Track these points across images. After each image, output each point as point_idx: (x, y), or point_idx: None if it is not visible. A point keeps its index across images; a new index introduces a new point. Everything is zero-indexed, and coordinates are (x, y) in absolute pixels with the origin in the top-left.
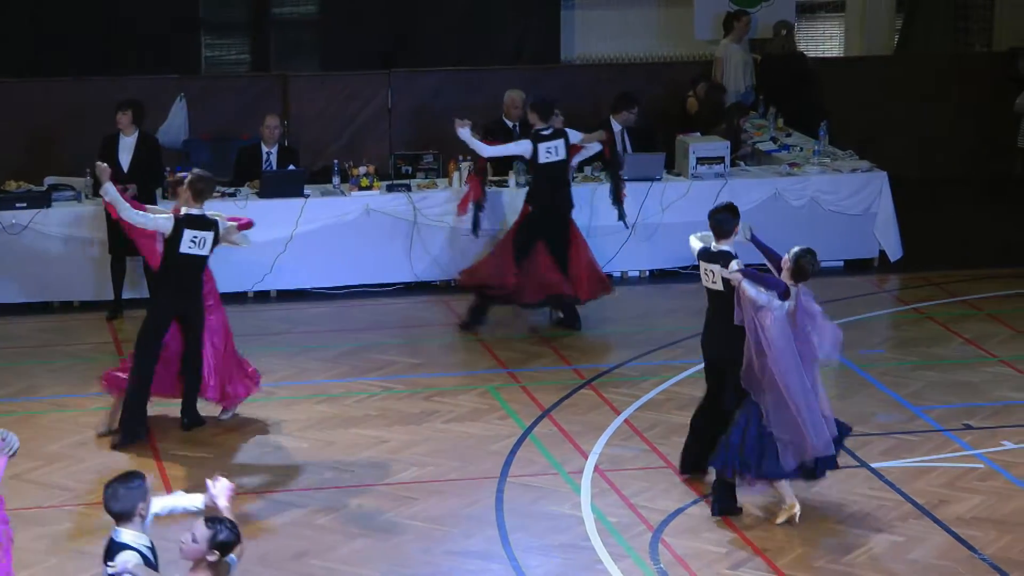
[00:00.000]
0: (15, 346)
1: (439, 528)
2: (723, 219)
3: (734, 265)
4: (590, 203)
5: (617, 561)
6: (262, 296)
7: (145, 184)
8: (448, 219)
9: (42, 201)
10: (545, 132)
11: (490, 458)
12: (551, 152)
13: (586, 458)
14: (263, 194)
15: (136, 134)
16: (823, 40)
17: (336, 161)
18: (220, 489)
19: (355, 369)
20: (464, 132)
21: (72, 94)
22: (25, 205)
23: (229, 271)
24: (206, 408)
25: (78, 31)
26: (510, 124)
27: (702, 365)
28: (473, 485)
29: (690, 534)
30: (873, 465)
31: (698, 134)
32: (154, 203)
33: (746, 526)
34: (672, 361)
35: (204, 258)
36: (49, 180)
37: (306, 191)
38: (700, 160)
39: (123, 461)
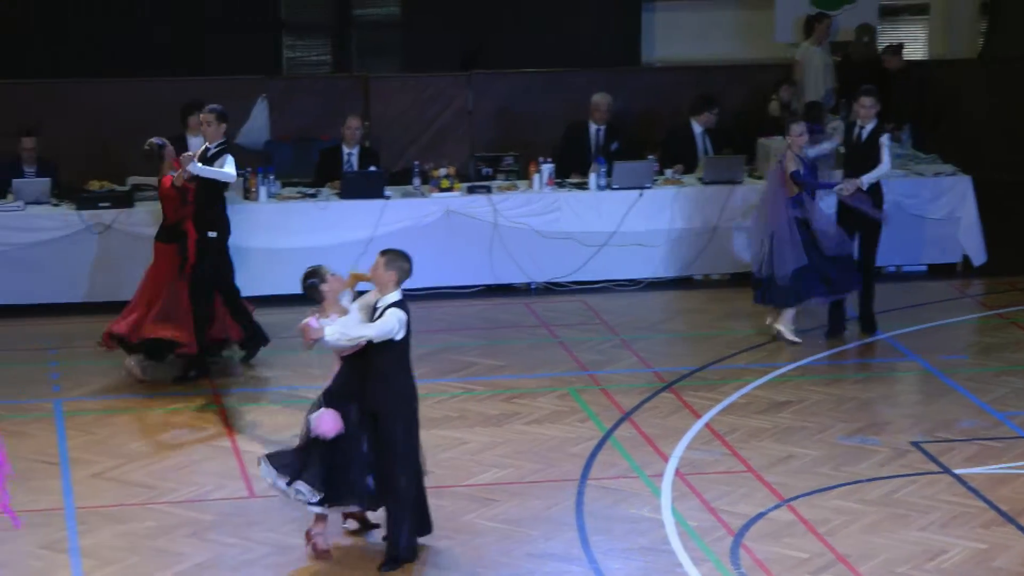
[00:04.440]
0: (94, 345)
1: (519, 530)
2: None
3: None
4: (671, 205)
5: (697, 565)
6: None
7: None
8: (529, 221)
9: (125, 201)
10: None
11: (570, 460)
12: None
13: (666, 461)
14: (344, 195)
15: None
16: (906, 43)
17: (416, 163)
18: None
19: (435, 370)
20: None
21: (154, 94)
22: (108, 205)
23: (299, 271)
24: None
25: (160, 31)
26: (594, 128)
27: (787, 367)
28: (553, 487)
29: (771, 539)
30: (956, 471)
31: (780, 137)
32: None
33: (828, 531)
34: (754, 364)
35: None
36: (132, 180)
37: (387, 192)
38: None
39: (203, 458)
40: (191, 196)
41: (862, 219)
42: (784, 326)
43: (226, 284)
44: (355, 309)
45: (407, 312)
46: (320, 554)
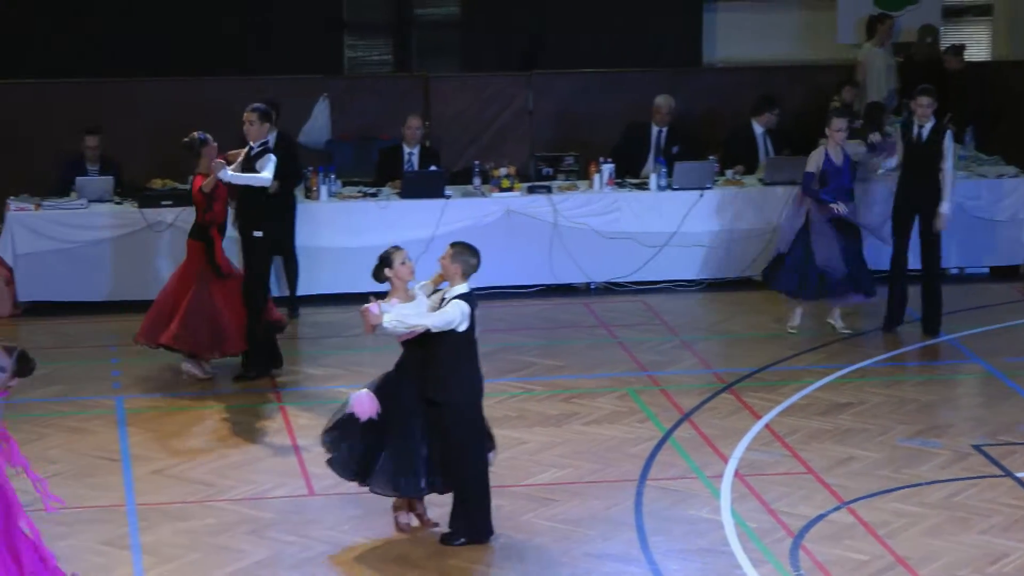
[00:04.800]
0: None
1: (578, 530)
2: None
3: None
4: (732, 206)
5: (757, 567)
6: None
7: (283, 184)
8: (589, 221)
9: (186, 199)
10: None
11: (629, 461)
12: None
13: (726, 462)
14: (404, 194)
15: (274, 135)
16: (969, 44)
17: (477, 162)
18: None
19: (494, 370)
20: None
21: (216, 93)
22: (170, 203)
23: (366, 271)
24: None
25: (222, 31)
26: (656, 129)
27: (847, 368)
28: (612, 488)
29: (831, 541)
30: (1018, 475)
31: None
32: (293, 203)
33: (889, 534)
34: (814, 366)
35: None
36: None
37: (447, 192)
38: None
39: (263, 456)
40: (217, 204)
41: (920, 223)
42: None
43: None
44: (421, 297)
45: (472, 305)
46: (402, 527)
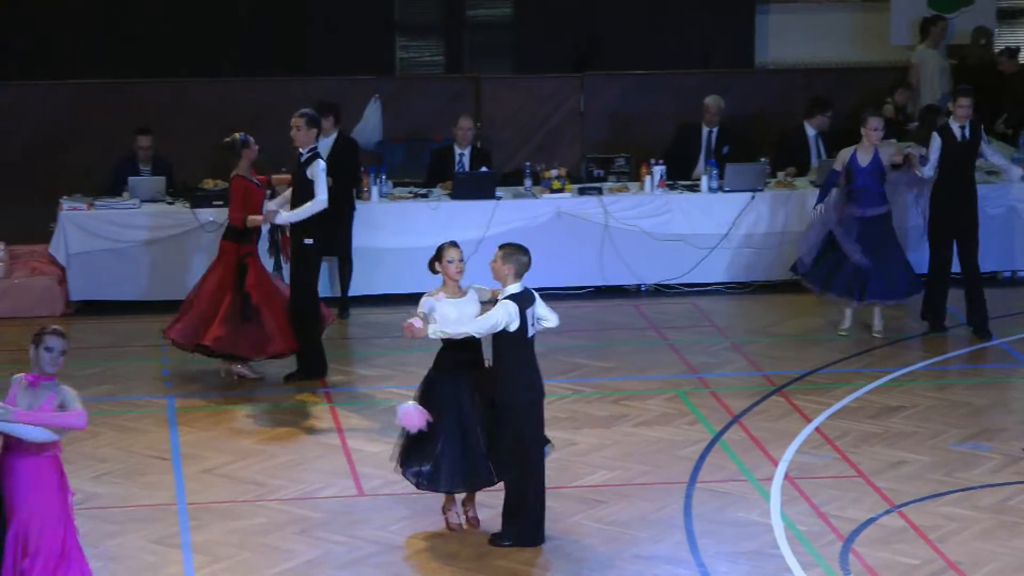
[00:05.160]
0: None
1: (627, 532)
2: None
3: None
4: (784, 208)
5: (806, 570)
6: None
7: (341, 184)
8: (640, 223)
9: None
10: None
11: (679, 463)
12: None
13: (776, 465)
14: (455, 195)
15: (335, 135)
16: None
17: (528, 164)
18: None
19: (544, 371)
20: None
21: (268, 94)
22: (222, 203)
23: (417, 272)
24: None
25: (275, 32)
26: (707, 130)
27: (898, 371)
28: (661, 490)
29: (881, 544)
30: None
31: (894, 140)
32: (352, 204)
33: (940, 538)
34: (864, 369)
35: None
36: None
37: (498, 193)
38: (894, 166)
39: (313, 456)
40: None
41: (957, 227)
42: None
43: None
44: (472, 296)
45: (521, 304)
46: (453, 527)
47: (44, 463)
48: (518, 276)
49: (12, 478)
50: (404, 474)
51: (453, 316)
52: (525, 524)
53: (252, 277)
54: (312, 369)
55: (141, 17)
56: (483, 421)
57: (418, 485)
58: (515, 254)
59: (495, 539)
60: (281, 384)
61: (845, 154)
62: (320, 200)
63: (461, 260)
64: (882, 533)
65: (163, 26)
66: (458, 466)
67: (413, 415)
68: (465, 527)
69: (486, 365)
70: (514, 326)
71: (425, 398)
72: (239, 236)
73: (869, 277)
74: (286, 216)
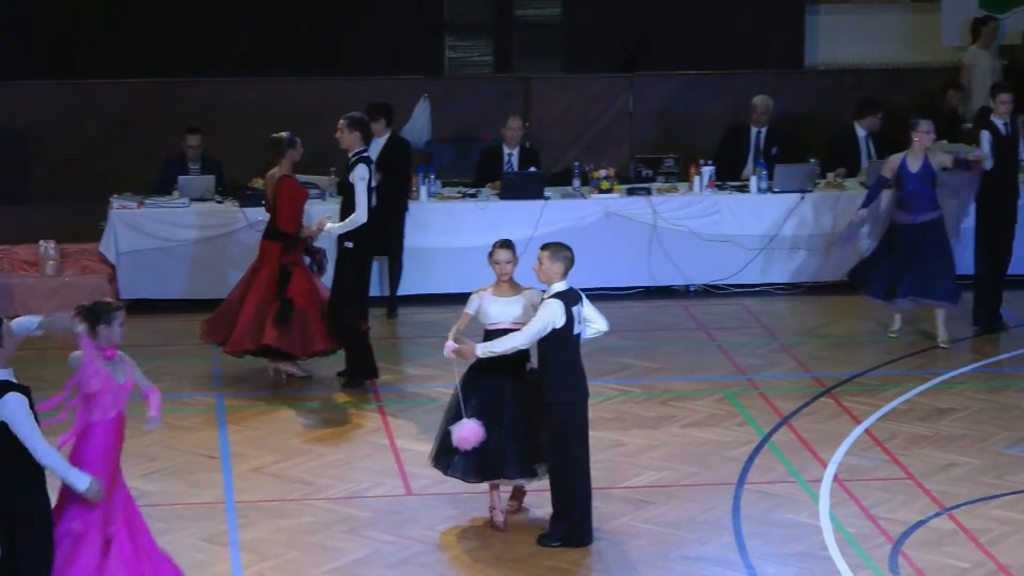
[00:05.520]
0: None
1: (675, 533)
2: None
3: None
4: (833, 209)
5: (855, 572)
6: None
7: (394, 185)
8: (688, 223)
9: None
10: (366, 154)
11: (727, 464)
12: (374, 176)
13: (825, 467)
14: (504, 195)
15: (387, 136)
16: None
17: (576, 163)
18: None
19: (592, 372)
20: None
21: (317, 93)
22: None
23: (465, 271)
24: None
25: (324, 31)
26: (755, 131)
27: (949, 373)
28: (710, 491)
29: (931, 547)
30: None
31: (944, 141)
32: (405, 205)
33: (990, 541)
34: (915, 371)
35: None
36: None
37: (546, 193)
38: (944, 168)
39: (361, 455)
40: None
41: (1003, 224)
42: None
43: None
44: (519, 299)
45: (566, 301)
46: (497, 525)
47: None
48: (565, 274)
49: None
50: (434, 464)
51: (493, 312)
52: (572, 524)
53: (298, 283)
54: (361, 371)
55: (193, 16)
56: (525, 419)
57: (437, 465)
58: (560, 251)
59: (543, 539)
60: (330, 383)
61: (895, 160)
62: (359, 214)
63: (509, 262)
64: (932, 536)
65: (214, 25)
66: (479, 456)
67: (467, 432)
68: (505, 522)
69: (527, 368)
70: (560, 323)
71: (466, 387)
72: (285, 239)
73: (905, 278)
74: (332, 227)
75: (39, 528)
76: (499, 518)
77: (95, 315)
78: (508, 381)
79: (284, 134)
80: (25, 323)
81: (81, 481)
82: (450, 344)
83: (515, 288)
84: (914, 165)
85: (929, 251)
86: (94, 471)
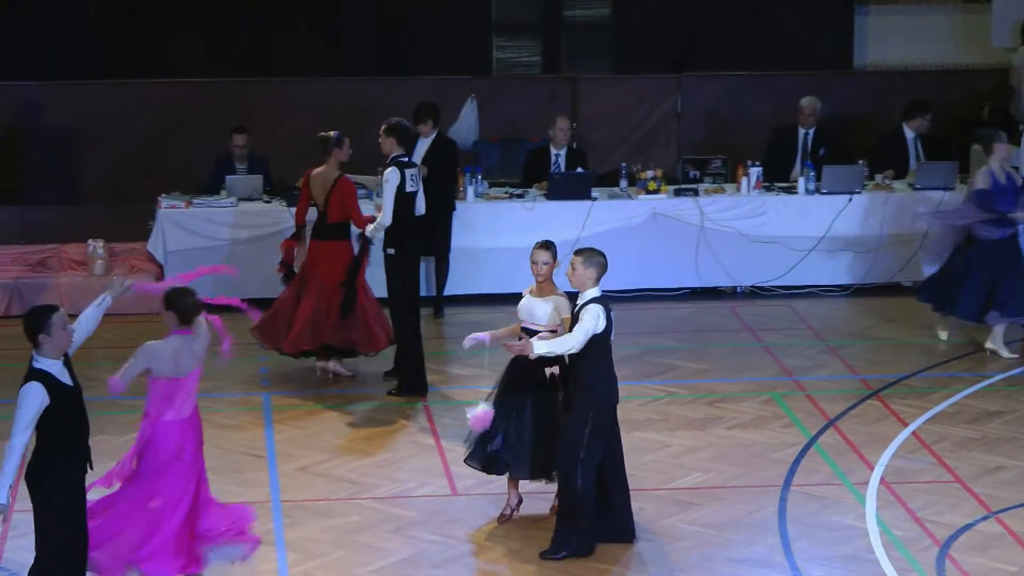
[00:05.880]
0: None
1: (720, 535)
2: None
3: None
4: (881, 211)
5: (902, 575)
6: None
7: (440, 185)
8: (736, 224)
9: None
10: (404, 159)
11: (773, 466)
12: (413, 181)
13: (872, 469)
14: (551, 196)
15: (434, 136)
16: None
17: (624, 164)
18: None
19: (638, 373)
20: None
21: (364, 93)
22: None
23: (511, 271)
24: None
25: (372, 31)
26: (803, 132)
27: (997, 376)
28: (756, 492)
29: (979, 551)
30: None
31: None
32: (452, 205)
33: None
34: (962, 373)
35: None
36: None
37: (593, 194)
38: None
39: (407, 455)
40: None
41: None
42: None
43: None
44: (549, 303)
45: (605, 305)
46: (500, 518)
47: None
48: (598, 280)
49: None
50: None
51: (524, 312)
52: (582, 532)
53: (360, 278)
54: (412, 387)
55: (242, 17)
56: (548, 420)
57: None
58: (594, 256)
59: (546, 554)
60: (376, 383)
61: (986, 174)
62: (383, 216)
63: (546, 263)
64: (979, 539)
65: (262, 26)
66: (508, 453)
67: (480, 418)
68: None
69: (547, 373)
70: (601, 326)
71: (505, 380)
72: (346, 236)
73: (994, 297)
74: (369, 229)
75: (54, 514)
76: (506, 510)
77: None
78: (540, 383)
79: (332, 133)
80: (89, 316)
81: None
82: (480, 336)
83: (550, 290)
84: (1002, 177)
85: (1012, 265)
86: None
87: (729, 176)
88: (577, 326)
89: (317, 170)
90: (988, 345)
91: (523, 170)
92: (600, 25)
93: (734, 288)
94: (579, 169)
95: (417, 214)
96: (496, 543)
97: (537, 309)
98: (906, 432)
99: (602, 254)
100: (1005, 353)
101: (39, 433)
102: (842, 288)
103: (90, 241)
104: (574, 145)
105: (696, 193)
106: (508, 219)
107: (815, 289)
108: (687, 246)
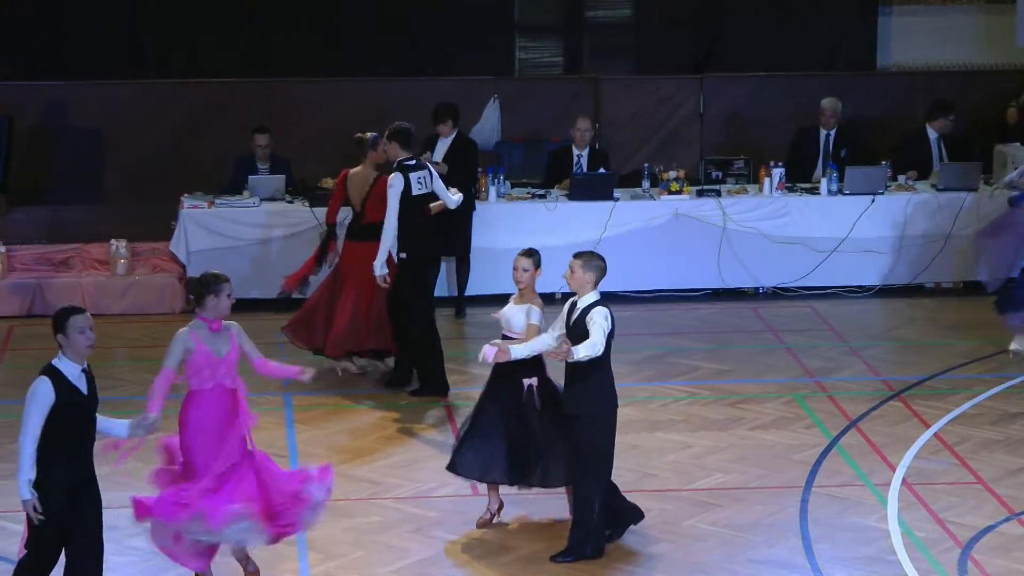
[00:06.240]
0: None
1: (741, 536)
2: None
3: None
4: (904, 212)
5: None
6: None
7: (460, 184)
8: (758, 225)
9: None
10: (410, 162)
11: (795, 467)
12: (421, 183)
13: (893, 470)
14: (573, 196)
15: (453, 136)
16: None
17: (646, 165)
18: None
19: (660, 374)
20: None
21: (387, 94)
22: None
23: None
24: None
25: (394, 32)
26: (824, 133)
27: (1020, 378)
28: (777, 494)
29: (1001, 552)
30: None
31: (1019, 144)
32: (472, 205)
33: None
34: (984, 375)
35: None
36: None
37: (615, 194)
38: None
39: (428, 455)
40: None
41: None
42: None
43: (407, 306)
44: (523, 309)
45: (609, 309)
46: (480, 523)
47: None
48: (596, 284)
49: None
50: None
51: (503, 319)
52: (592, 535)
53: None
54: (433, 386)
55: (263, 18)
56: (542, 427)
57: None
58: (594, 260)
59: (557, 557)
60: (395, 383)
61: None
62: (387, 223)
63: (526, 270)
64: (1001, 541)
65: (284, 26)
66: (482, 457)
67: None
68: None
69: (527, 385)
70: (610, 326)
71: (490, 388)
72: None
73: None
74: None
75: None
76: (485, 515)
77: (203, 286)
78: (526, 392)
79: (369, 134)
80: (114, 426)
81: (22, 490)
82: (501, 352)
83: (530, 298)
84: None
85: None
86: (189, 436)
87: (752, 177)
88: (593, 329)
89: (355, 170)
90: (1013, 347)
91: (545, 170)
92: (622, 26)
93: (756, 289)
94: (601, 170)
95: (451, 208)
96: (518, 544)
97: (513, 318)
98: (928, 433)
99: (602, 258)
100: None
101: (43, 430)
102: (865, 289)
103: (113, 241)
104: (596, 146)
105: (719, 194)
106: (530, 219)
107: (837, 290)
108: (709, 247)
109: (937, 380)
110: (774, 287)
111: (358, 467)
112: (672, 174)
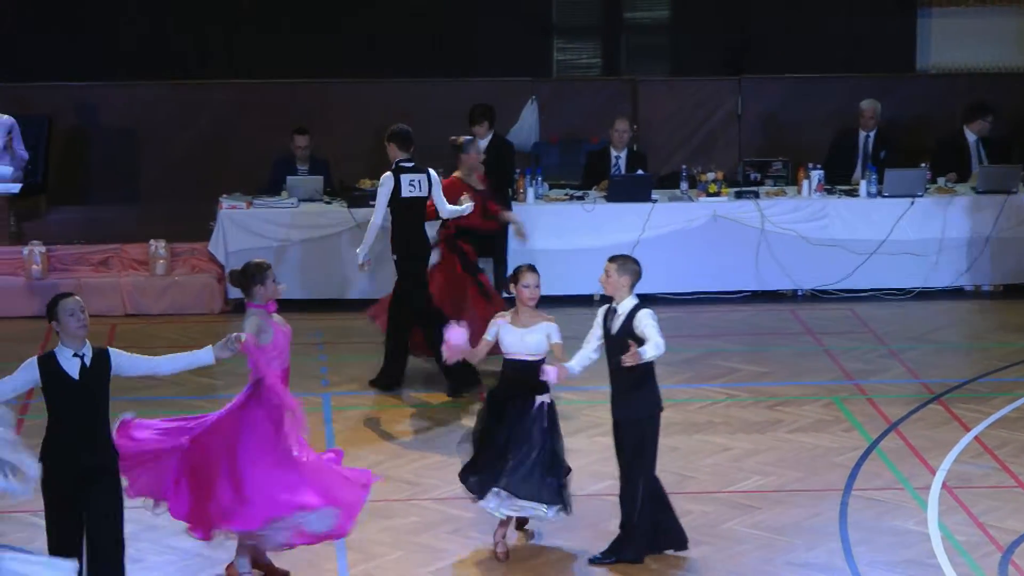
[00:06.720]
0: (362, 340)
1: (781, 538)
2: None
3: None
4: (943, 214)
5: None
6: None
7: (496, 186)
8: (797, 227)
9: None
10: (407, 164)
11: (834, 470)
12: (414, 187)
13: (933, 474)
14: (611, 198)
15: (490, 137)
16: None
17: (684, 166)
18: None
19: (699, 376)
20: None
21: (426, 95)
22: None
23: (571, 273)
24: None
25: (433, 34)
26: (864, 135)
27: None
28: (817, 496)
29: None
30: None
31: None
32: (508, 206)
33: None
34: None
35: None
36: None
37: (653, 196)
38: None
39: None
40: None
41: None
42: None
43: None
44: (540, 328)
45: (651, 310)
46: (499, 556)
47: None
48: (632, 287)
49: None
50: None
51: (508, 342)
52: (634, 538)
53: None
54: (462, 382)
55: (303, 19)
56: (551, 442)
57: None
58: (629, 263)
59: (595, 560)
60: (434, 383)
61: None
62: (373, 219)
63: (537, 286)
64: None
65: (322, 27)
66: (494, 476)
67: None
68: (506, 555)
69: (539, 403)
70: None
71: (489, 410)
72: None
73: None
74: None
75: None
76: (501, 548)
77: (249, 278)
78: (531, 407)
79: (463, 138)
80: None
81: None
82: (562, 370)
83: (536, 316)
84: None
85: None
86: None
87: (790, 179)
88: (649, 331)
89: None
90: None
91: (583, 172)
92: (660, 27)
93: (795, 291)
94: (639, 171)
95: (442, 216)
96: (553, 545)
97: (528, 338)
98: (968, 436)
99: (636, 262)
100: None
101: (47, 414)
102: (904, 292)
103: (152, 241)
104: (634, 147)
105: (757, 196)
106: (568, 221)
107: (877, 292)
108: (748, 249)
109: (977, 383)
110: (813, 289)
111: (397, 467)
112: (710, 176)
